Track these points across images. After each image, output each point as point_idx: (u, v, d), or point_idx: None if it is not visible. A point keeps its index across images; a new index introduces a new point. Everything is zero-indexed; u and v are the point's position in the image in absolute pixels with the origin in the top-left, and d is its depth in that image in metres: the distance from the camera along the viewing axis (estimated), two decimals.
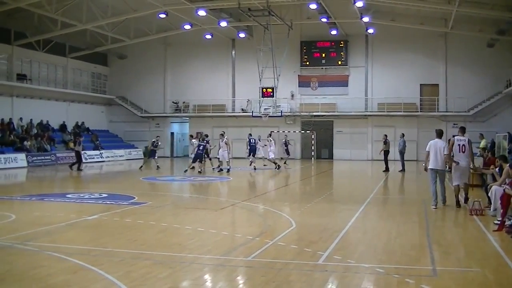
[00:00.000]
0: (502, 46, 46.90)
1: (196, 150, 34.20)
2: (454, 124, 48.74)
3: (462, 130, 18.97)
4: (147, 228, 13.88)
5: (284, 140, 40.96)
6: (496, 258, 10.92)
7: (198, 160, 33.67)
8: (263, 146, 38.83)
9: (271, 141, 39.24)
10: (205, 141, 34.61)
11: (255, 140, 37.47)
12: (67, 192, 22.24)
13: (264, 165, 38.67)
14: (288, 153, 40.38)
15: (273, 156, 38.22)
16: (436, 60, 49.89)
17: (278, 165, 36.34)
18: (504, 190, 13.94)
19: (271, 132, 42.55)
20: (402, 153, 36.47)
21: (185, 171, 33.77)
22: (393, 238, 12.85)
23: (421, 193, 24.71)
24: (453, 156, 17.96)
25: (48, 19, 43.01)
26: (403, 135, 37.39)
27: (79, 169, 35.68)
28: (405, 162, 36.41)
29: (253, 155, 36.63)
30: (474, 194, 19.40)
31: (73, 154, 38.22)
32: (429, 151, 18.42)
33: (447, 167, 20.09)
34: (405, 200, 22.51)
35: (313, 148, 50.54)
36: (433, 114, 49.39)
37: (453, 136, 20.58)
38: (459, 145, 18.14)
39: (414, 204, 19.92)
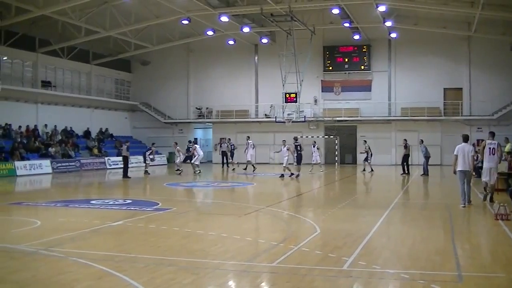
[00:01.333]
0: None
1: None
2: (478, 128, 48.49)
3: (492, 135, 20.61)
4: (170, 234, 13.92)
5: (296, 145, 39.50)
6: None
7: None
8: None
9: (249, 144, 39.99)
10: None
11: (300, 147, 36.41)
12: (91, 198, 22.38)
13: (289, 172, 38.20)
14: (298, 159, 36.52)
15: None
16: (459, 63, 49.59)
17: (292, 173, 35.47)
18: None
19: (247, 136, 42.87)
20: (427, 157, 36.57)
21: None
22: (418, 243, 12.80)
23: (444, 198, 24.68)
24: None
25: (72, 26, 43.29)
26: (422, 141, 37.65)
27: (126, 176, 34.74)
28: (429, 167, 36.34)
29: (299, 163, 35.95)
30: (499, 199, 19.30)
31: (97, 160, 38.29)
32: (457, 155, 19.36)
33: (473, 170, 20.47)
34: (429, 204, 22.39)
35: (336, 153, 50.40)
36: (457, 118, 49.06)
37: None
38: (489, 148, 19.82)
39: (438, 209, 19.83)
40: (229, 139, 38.83)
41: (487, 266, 10.67)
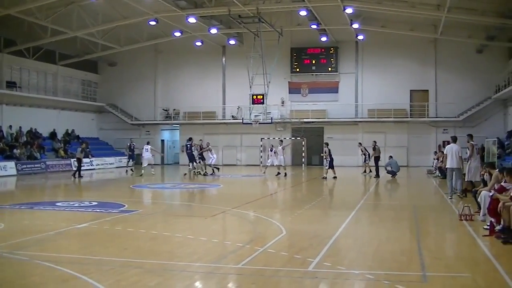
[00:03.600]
0: (491, 52, 47.25)
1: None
2: (444, 129, 49.13)
3: (471, 137, 22.78)
4: (137, 236, 13.86)
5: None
6: (486, 263, 10.96)
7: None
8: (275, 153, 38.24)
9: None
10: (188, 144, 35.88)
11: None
12: (56, 201, 22.17)
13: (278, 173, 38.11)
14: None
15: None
16: (426, 66, 50.07)
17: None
18: (492, 194, 14.01)
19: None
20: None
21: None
22: (384, 244, 12.88)
23: (411, 199, 24.87)
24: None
25: (38, 27, 42.87)
26: (391, 157, 37.94)
27: (79, 176, 35.71)
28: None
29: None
30: (463, 200, 19.54)
31: (63, 162, 38.18)
32: (446, 154, 21.90)
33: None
34: (396, 205, 22.49)
35: (303, 155, 50.55)
36: (423, 119, 49.56)
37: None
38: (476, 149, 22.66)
39: (404, 210, 19.97)
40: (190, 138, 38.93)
41: (452, 266, 10.76)
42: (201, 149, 37.94)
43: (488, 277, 9.84)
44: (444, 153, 22.09)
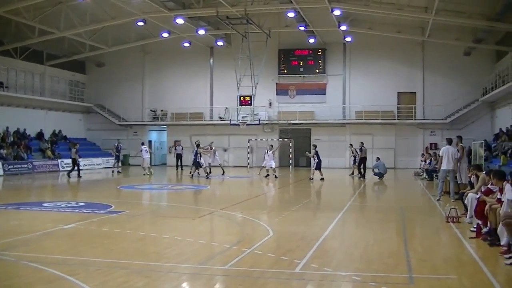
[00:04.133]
0: (478, 54, 47.44)
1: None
2: (432, 132, 49.38)
3: (460, 139, 22.93)
4: (124, 237, 13.85)
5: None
6: (472, 265, 10.99)
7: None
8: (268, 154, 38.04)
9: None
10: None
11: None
12: (43, 201, 22.10)
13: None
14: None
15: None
16: (414, 68, 50.25)
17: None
18: (479, 197, 14.08)
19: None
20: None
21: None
22: (371, 246, 12.91)
23: (399, 201, 24.93)
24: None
25: (26, 26, 42.66)
26: (378, 158, 37.99)
27: (78, 176, 36.01)
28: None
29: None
30: (450, 202, 19.62)
31: (50, 162, 38.09)
32: (442, 155, 21.97)
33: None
34: (383, 207, 22.59)
35: (291, 156, 50.59)
36: (410, 122, 49.70)
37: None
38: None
39: (391, 212, 20.04)
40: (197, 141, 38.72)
41: (438, 268, 10.78)
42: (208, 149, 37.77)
43: (475, 279, 9.87)
44: (440, 155, 22.21)
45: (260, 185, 32.83)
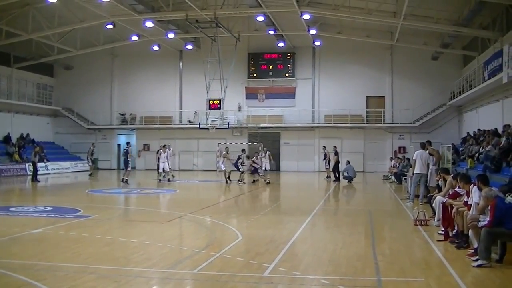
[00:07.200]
0: (446, 59, 47.84)
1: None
2: (400, 135, 49.73)
3: (429, 144, 23.14)
4: (92, 242, 13.74)
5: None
6: (440, 267, 11.13)
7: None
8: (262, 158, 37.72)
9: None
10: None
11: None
12: (10, 205, 21.87)
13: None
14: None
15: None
16: (382, 72, 50.60)
17: None
18: (445, 201, 14.24)
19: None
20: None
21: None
22: (339, 249, 12.96)
23: (367, 204, 25.08)
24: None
25: None
26: (348, 162, 38.11)
27: (36, 180, 36.10)
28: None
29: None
30: (418, 205, 19.80)
31: (18, 166, 37.84)
32: (415, 159, 22.27)
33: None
34: (352, 211, 22.71)
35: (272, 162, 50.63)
36: (379, 125, 50.01)
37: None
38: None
39: (360, 215, 20.14)
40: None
41: (406, 270, 10.86)
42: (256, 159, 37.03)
43: (442, 281, 9.98)
44: (414, 158, 22.48)
45: (229, 189, 32.79)
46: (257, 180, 35.93)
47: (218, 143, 43.96)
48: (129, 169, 35.74)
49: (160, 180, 35.89)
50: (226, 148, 37.36)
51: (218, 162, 37.12)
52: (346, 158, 40.39)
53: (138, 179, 39.30)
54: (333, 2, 39.42)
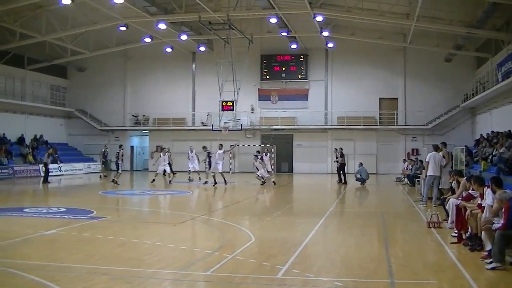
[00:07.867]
0: (459, 61, 47.68)
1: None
2: (413, 137, 49.57)
3: (445, 145, 23.15)
4: (105, 243, 13.76)
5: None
6: (453, 270, 11.04)
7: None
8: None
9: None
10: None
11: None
12: (24, 207, 21.94)
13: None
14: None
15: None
16: (395, 74, 50.49)
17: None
18: (458, 204, 14.17)
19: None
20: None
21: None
22: (352, 251, 12.94)
23: (380, 206, 24.99)
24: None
25: (6, 30, 42.43)
26: (361, 164, 37.93)
27: (46, 181, 36.10)
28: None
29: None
30: (431, 207, 19.73)
31: (31, 167, 38.00)
32: (428, 161, 22.08)
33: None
34: (364, 213, 22.64)
35: (272, 162, 50.56)
36: (392, 127, 49.90)
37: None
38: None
39: (373, 217, 20.03)
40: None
41: (419, 273, 10.79)
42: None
43: (455, 284, 9.91)
44: (427, 160, 22.32)
45: (242, 191, 32.76)
46: (265, 182, 35.89)
47: (231, 145, 43.88)
48: (119, 171, 36.04)
49: (170, 181, 35.95)
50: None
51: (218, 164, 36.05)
52: (359, 160, 40.29)
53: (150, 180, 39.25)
54: (346, 4, 39.31)
